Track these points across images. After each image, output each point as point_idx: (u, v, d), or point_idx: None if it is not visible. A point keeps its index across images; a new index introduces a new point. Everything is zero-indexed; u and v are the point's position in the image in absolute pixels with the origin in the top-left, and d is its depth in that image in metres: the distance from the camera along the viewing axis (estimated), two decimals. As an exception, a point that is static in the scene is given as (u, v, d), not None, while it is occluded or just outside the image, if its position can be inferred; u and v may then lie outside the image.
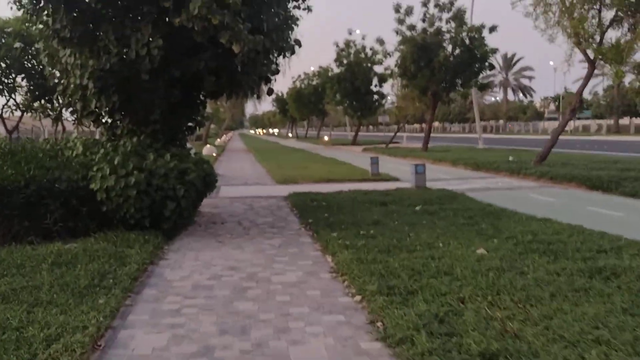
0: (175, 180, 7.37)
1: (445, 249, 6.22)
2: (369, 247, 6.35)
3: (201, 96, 9.34)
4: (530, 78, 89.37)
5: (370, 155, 19.84)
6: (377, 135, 73.43)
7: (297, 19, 8.96)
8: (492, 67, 30.27)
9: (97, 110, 8.50)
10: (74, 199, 7.13)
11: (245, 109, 67.89)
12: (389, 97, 44.38)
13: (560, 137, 17.69)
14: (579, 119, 63.87)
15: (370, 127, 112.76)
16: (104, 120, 8.96)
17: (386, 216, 8.65)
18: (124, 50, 7.46)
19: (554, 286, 4.67)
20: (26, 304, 4.35)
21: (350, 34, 40.39)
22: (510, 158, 20.01)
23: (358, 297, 4.76)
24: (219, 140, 50.32)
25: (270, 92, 9.39)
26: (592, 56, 15.92)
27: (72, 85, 8.22)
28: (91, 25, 7.50)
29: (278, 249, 6.87)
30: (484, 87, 32.74)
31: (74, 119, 13.52)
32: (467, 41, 27.53)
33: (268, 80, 8.92)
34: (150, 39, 7.23)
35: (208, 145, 31.96)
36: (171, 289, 5.20)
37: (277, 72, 8.84)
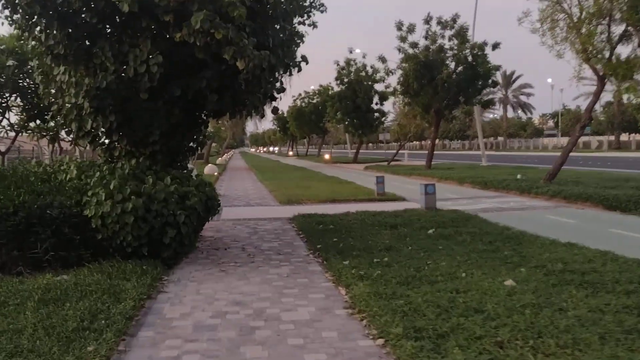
0: (176, 205, 6.88)
1: (469, 279, 5.71)
2: (386, 278, 5.85)
3: (203, 115, 8.90)
4: (529, 95, 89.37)
5: (375, 174, 19.37)
6: (378, 153, 73.22)
7: (303, 35, 8.60)
8: (495, 84, 30.04)
9: (93, 130, 8.06)
10: (66, 226, 6.64)
11: (246, 128, 67.75)
12: (389, 115, 44.20)
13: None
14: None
15: (370, 144, 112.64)
16: (100, 142, 8.52)
17: (398, 240, 8.17)
18: (122, 68, 7.05)
19: (602, 327, 4.14)
20: (4, 353, 3.81)
21: (350, 52, 39.87)
22: (519, 176, 19.54)
23: (380, 341, 4.23)
24: (220, 158, 50.02)
25: (275, 110, 8.96)
26: (601, 72, 15.59)
27: (67, 105, 7.80)
28: (87, 41, 7.11)
29: (286, 280, 6.35)
30: (487, 104, 32.46)
31: (70, 139, 13.07)
32: (469, 58, 27.31)
33: (273, 99, 8.51)
34: (150, 56, 6.82)
35: (210, 165, 31.57)
36: (170, 329, 4.67)
37: (282, 90, 8.43)
